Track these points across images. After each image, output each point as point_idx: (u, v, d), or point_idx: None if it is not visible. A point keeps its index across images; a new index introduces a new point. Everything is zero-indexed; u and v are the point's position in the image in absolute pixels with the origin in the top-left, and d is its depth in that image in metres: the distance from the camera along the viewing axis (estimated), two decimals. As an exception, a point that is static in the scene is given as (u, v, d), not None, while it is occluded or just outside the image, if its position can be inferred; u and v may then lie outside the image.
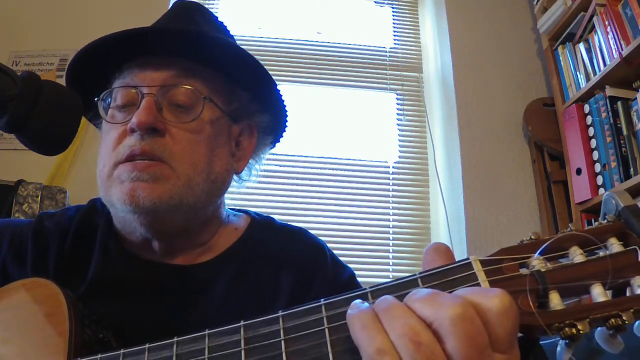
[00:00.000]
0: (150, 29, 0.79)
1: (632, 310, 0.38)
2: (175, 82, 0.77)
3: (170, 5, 2.63)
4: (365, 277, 2.25)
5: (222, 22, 0.92)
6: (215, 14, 0.97)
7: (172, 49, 0.78)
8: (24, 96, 0.60)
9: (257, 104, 0.87)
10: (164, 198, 0.71)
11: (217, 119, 0.80)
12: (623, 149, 1.93)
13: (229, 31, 0.93)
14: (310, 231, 0.95)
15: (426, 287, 0.43)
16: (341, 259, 0.92)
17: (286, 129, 0.94)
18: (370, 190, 2.47)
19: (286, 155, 2.47)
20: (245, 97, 0.86)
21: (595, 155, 2.04)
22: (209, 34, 0.82)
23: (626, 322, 0.38)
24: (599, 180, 2.01)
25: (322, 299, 0.47)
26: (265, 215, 0.94)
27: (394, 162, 2.54)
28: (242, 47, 0.84)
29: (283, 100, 0.89)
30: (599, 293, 0.39)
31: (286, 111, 0.90)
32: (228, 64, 0.82)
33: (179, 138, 0.75)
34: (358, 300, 0.45)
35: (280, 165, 2.47)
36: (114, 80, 0.80)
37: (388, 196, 2.48)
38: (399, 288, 0.44)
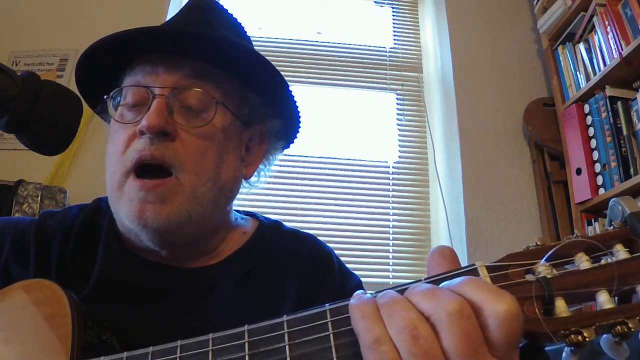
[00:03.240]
0: (165, 29, 0.78)
1: (638, 318, 0.38)
2: (187, 84, 0.75)
3: (170, 6, 2.61)
4: (366, 277, 2.25)
5: (236, 20, 0.90)
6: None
7: (185, 50, 0.76)
8: (24, 96, 0.60)
9: (269, 109, 0.85)
10: (172, 218, 0.71)
11: (229, 124, 0.78)
12: (623, 149, 1.93)
13: (245, 31, 0.90)
14: (310, 231, 0.94)
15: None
16: (341, 259, 0.91)
17: (298, 134, 0.92)
18: (370, 190, 2.47)
19: (286, 155, 2.46)
20: (257, 101, 0.83)
21: (595, 155, 2.04)
22: (224, 36, 0.80)
23: (632, 329, 0.38)
24: (599, 180, 2.01)
25: (327, 304, 0.46)
26: (273, 219, 0.93)
27: (394, 162, 2.54)
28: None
29: (296, 105, 0.86)
30: (605, 300, 0.39)
31: (299, 116, 0.88)
32: (242, 67, 0.80)
33: (188, 143, 0.73)
34: (360, 291, 0.45)
35: (281, 165, 2.46)
36: (124, 76, 0.78)
37: (388, 196, 2.47)
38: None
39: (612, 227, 0.44)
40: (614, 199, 0.43)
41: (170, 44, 0.76)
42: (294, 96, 0.85)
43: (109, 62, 0.79)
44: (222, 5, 0.90)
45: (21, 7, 2.50)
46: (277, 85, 0.83)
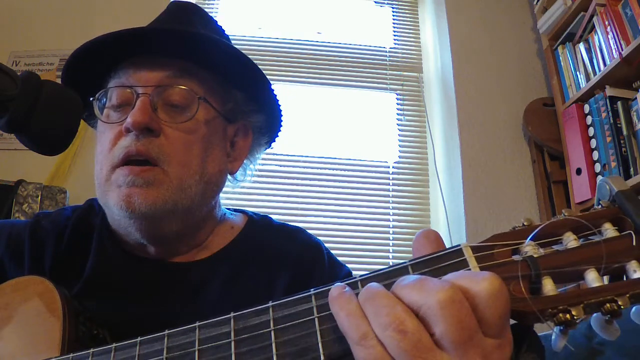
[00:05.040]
0: (146, 30, 0.79)
1: (628, 295, 0.37)
2: (170, 82, 0.77)
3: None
4: (365, 277, 2.24)
5: (216, 22, 0.93)
6: (215, 14, 0.97)
7: (168, 49, 0.79)
8: (24, 96, 0.60)
9: (252, 104, 0.87)
10: (159, 203, 0.72)
11: (212, 119, 0.80)
12: (623, 149, 1.92)
13: (224, 31, 0.93)
14: (310, 231, 0.95)
15: (415, 274, 0.42)
16: (341, 259, 0.92)
17: (281, 129, 0.94)
18: (370, 190, 2.47)
19: (286, 155, 2.47)
20: (240, 97, 0.86)
21: (595, 155, 2.03)
22: (205, 34, 0.82)
23: (622, 306, 0.37)
24: (599, 180, 1.99)
25: (312, 289, 0.46)
26: (263, 214, 0.94)
27: (394, 162, 2.54)
28: (241, 47, 0.84)
29: (278, 100, 0.89)
30: (593, 278, 0.39)
31: (281, 111, 0.90)
32: (223, 64, 0.82)
33: (173, 138, 0.75)
34: (339, 284, 0.44)
35: (280, 165, 2.46)
36: (109, 79, 0.81)
37: (388, 196, 2.47)
38: (389, 276, 0.43)
39: (600, 207, 0.43)
40: (602, 178, 0.43)
41: (152, 45, 0.78)
42: (274, 91, 0.88)
43: (93, 66, 0.81)
44: (200, 8, 0.93)
45: (21, 7, 2.51)
46: (258, 81, 0.85)
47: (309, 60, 2.67)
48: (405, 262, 0.44)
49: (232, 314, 0.48)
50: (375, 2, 2.87)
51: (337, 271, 0.87)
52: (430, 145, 2.55)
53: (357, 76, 2.67)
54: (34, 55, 2.43)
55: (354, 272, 0.89)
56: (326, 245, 0.93)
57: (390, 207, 2.45)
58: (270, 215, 0.95)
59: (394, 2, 2.87)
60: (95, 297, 0.75)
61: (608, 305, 0.37)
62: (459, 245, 0.42)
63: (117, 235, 0.81)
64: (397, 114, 2.63)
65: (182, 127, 0.76)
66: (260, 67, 0.84)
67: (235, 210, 0.94)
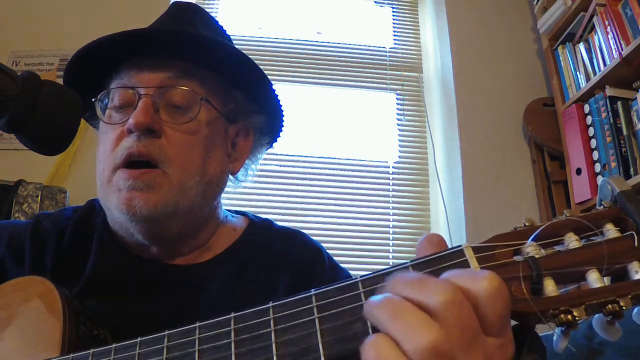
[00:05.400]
0: (148, 31, 0.80)
1: (629, 296, 0.37)
2: (172, 83, 0.78)
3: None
4: (365, 277, 2.24)
5: (218, 22, 0.93)
6: (215, 14, 0.97)
7: (169, 50, 0.79)
8: (24, 96, 0.60)
9: (253, 105, 0.88)
10: (159, 206, 0.72)
11: (214, 119, 0.81)
12: (623, 149, 1.93)
13: (225, 31, 0.93)
14: (310, 232, 0.96)
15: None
16: (341, 259, 0.92)
17: (282, 129, 0.94)
18: (370, 190, 2.47)
19: (286, 155, 2.47)
20: (241, 97, 0.86)
21: (595, 155, 2.03)
22: (206, 35, 0.83)
23: (623, 307, 0.37)
24: (599, 180, 1.99)
25: (312, 289, 0.46)
26: (264, 217, 0.95)
27: (394, 162, 2.54)
28: (241, 47, 0.84)
29: (279, 101, 0.89)
30: (595, 279, 0.39)
31: (282, 111, 0.91)
32: (224, 65, 0.82)
33: (174, 139, 0.75)
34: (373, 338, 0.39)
35: (280, 165, 2.47)
36: (111, 80, 0.81)
37: (388, 196, 2.47)
38: (390, 277, 0.43)
39: (602, 207, 0.43)
40: (603, 178, 0.43)
41: (154, 46, 0.79)
42: (275, 91, 0.88)
43: (95, 67, 0.81)
44: (202, 8, 0.93)
45: (21, 7, 2.51)
46: (259, 81, 0.85)
47: (309, 60, 2.67)
48: (406, 263, 0.43)
49: (232, 314, 0.48)
50: (375, 2, 2.87)
51: (337, 275, 0.86)
52: (430, 145, 2.55)
53: (357, 76, 2.67)
54: (34, 55, 2.43)
55: (354, 273, 0.90)
56: (326, 245, 0.93)
57: (390, 207, 2.45)
58: (272, 217, 0.96)
59: (394, 2, 2.87)
60: (95, 297, 0.75)
61: (610, 306, 0.37)
62: (460, 245, 0.42)
63: (117, 235, 0.81)
64: (397, 114, 2.63)
65: (183, 128, 0.77)
66: (260, 67, 0.84)
67: (236, 212, 0.94)
